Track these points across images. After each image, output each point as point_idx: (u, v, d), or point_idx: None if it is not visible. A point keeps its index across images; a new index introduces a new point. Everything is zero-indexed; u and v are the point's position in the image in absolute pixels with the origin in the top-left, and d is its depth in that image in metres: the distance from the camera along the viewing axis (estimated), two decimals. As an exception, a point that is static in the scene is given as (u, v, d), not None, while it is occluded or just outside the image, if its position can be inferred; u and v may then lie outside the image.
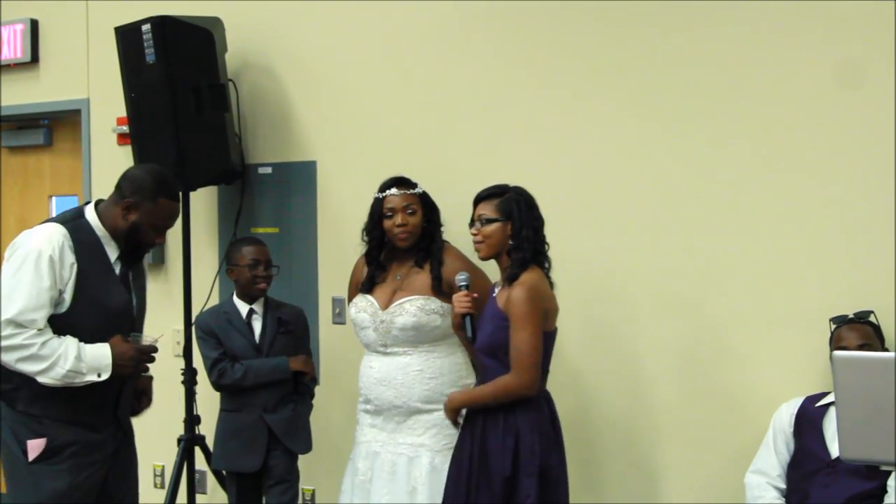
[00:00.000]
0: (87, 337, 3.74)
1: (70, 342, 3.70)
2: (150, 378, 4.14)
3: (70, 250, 3.74)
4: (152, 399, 4.17)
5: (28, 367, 3.67)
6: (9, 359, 3.67)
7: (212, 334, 4.58)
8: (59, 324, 3.72)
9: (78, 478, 3.81)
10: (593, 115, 4.49)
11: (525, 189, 3.93)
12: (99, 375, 3.73)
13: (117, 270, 3.87)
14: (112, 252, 3.86)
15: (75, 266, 3.73)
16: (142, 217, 3.82)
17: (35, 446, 3.75)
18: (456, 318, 4.02)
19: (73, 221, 3.84)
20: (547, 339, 3.80)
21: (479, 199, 3.93)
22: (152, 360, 3.90)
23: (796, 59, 4.10)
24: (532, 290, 3.75)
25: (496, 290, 3.92)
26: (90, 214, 3.87)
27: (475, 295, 3.97)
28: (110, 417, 3.92)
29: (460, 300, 3.97)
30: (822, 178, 4.07)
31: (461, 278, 4.01)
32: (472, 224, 3.94)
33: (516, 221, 3.85)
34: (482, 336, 3.87)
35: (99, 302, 3.79)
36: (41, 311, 3.67)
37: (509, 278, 3.82)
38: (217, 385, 4.60)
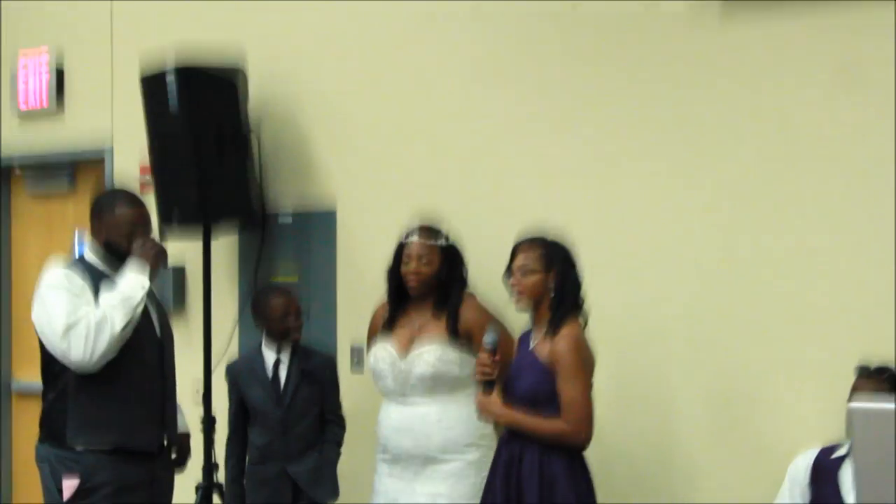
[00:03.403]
0: (122, 350, 3.83)
1: (101, 296, 3.83)
2: (188, 435, 4.33)
3: (75, 275, 3.89)
4: (191, 452, 4.35)
5: (107, 336, 3.75)
6: (99, 349, 3.74)
7: (235, 384, 4.61)
8: None
9: None
10: (611, 155, 4.50)
11: (565, 240, 3.87)
12: (143, 285, 3.86)
13: None
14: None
15: (85, 285, 3.86)
16: (109, 232, 4.00)
17: (69, 486, 3.83)
18: (476, 380, 3.90)
19: (72, 262, 4.06)
20: None
21: (519, 249, 3.85)
22: (147, 222, 4.04)
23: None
24: (580, 343, 3.74)
25: (532, 343, 3.85)
26: (87, 254, 4.05)
27: (497, 358, 3.84)
28: (156, 438, 4.01)
29: (483, 365, 3.84)
30: (855, 224, 4.05)
31: (488, 340, 3.85)
32: (508, 272, 3.85)
33: (559, 274, 3.79)
34: (523, 386, 3.77)
35: None
36: (81, 308, 3.78)
37: (551, 330, 3.77)
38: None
